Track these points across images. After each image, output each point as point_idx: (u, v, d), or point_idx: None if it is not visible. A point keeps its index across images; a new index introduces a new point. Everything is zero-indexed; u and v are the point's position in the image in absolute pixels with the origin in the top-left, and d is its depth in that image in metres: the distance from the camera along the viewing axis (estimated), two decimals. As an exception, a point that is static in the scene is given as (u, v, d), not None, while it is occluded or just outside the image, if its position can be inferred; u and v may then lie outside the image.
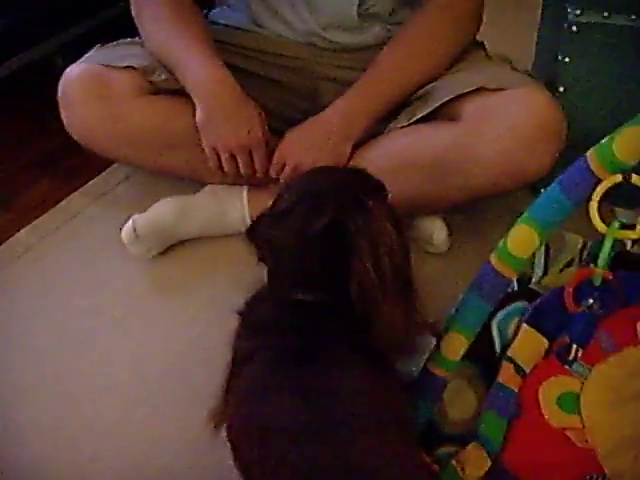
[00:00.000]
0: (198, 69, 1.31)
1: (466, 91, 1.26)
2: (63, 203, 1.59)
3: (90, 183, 1.64)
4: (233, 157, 1.33)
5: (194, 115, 1.32)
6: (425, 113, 1.30)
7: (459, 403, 1.06)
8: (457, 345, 1.01)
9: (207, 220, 1.42)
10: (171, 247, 1.45)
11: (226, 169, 1.34)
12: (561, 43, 1.38)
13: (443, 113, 1.29)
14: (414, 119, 1.31)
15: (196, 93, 1.31)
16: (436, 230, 1.40)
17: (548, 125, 1.20)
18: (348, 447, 0.76)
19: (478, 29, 1.39)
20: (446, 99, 1.28)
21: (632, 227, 0.92)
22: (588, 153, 0.92)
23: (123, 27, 1.45)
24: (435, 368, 1.03)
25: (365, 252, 0.84)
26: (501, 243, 0.96)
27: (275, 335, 0.87)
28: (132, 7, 1.41)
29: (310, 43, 1.43)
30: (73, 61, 1.39)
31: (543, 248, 1.07)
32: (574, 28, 1.35)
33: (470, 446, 1.02)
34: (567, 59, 1.38)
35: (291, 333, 0.85)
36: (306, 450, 0.76)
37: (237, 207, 1.43)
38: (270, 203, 1.34)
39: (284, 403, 0.80)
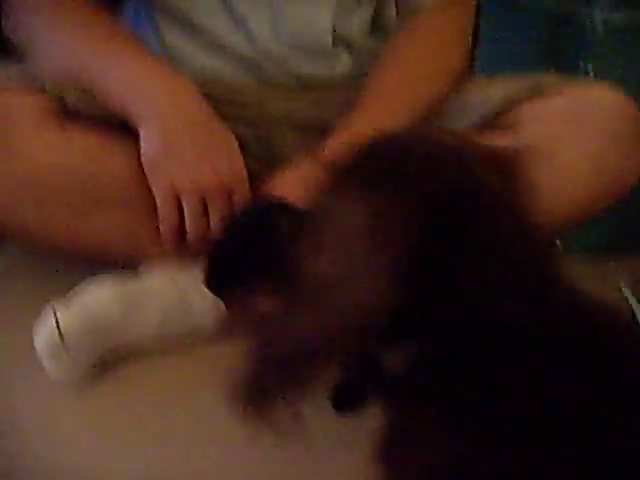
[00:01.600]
0: (146, 77, 0.88)
1: (523, 91, 0.97)
2: None
3: None
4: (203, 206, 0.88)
5: (134, 152, 0.88)
6: (468, 124, 0.98)
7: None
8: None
9: (165, 312, 0.90)
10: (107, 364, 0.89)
11: (192, 224, 0.89)
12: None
13: (480, 126, 0.98)
14: None
15: (145, 111, 0.87)
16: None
17: (636, 121, 0.94)
18: None
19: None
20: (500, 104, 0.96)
21: None
22: None
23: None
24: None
25: None
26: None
27: None
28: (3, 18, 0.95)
29: (262, 78, 1.06)
30: None
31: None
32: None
33: None
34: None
35: None
36: None
37: (205, 292, 0.94)
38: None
39: None
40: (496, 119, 0.97)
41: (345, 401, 0.82)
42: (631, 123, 0.93)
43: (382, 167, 0.58)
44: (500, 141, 0.94)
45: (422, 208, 0.55)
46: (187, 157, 0.86)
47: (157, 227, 0.90)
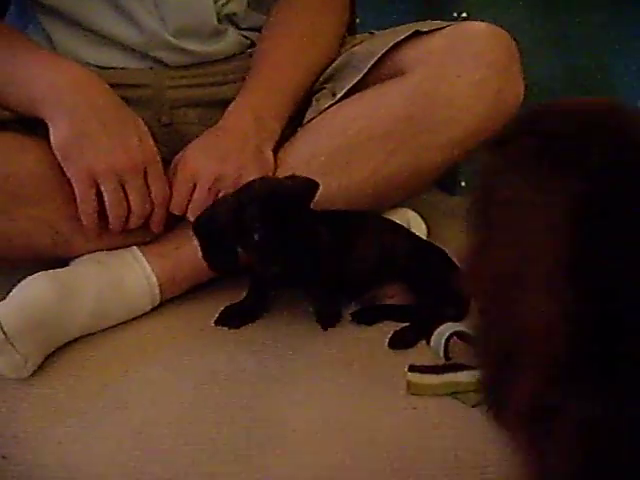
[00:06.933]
0: (51, 72, 0.92)
1: (403, 37, 1.02)
2: None
3: None
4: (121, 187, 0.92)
5: (47, 147, 0.91)
6: (359, 78, 1.03)
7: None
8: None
9: (99, 293, 0.94)
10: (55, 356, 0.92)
11: (112, 205, 0.93)
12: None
13: (371, 79, 1.04)
14: (343, 92, 1.04)
15: (53, 105, 0.90)
16: (411, 220, 1.11)
17: (511, 47, 1.01)
18: None
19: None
20: (385, 50, 1.02)
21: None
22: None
23: None
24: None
25: None
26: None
27: None
28: None
29: (154, 61, 1.07)
30: None
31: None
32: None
33: None
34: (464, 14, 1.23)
35: None
36: None
37: (135, 269, 0.98)
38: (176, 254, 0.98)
39: None
40: (382, 68, 1.02)
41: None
42: (506, 49, 1.00)
43: (571, 148, 0.49)
44: (390, 88, 1.01)
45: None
46: (99, 142, 0.89)
47: (79, 219, 0.93)
